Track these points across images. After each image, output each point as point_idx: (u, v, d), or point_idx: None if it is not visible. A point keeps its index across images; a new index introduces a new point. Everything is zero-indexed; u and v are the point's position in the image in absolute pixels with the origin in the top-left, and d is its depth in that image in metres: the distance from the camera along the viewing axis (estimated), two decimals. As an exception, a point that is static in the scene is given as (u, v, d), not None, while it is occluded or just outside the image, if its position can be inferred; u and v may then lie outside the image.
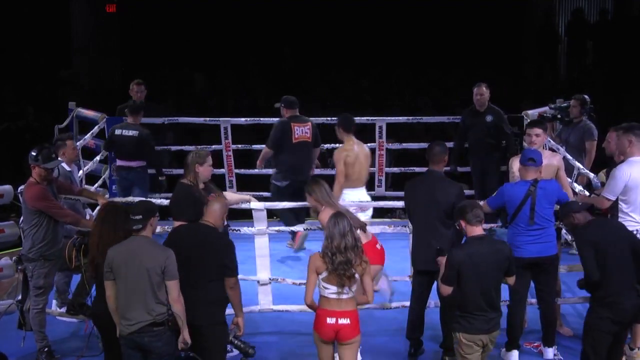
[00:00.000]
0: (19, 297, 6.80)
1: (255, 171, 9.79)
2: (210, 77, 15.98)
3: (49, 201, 6.53)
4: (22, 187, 6.73)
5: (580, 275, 5.99)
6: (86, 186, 8.59)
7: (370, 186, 10.20)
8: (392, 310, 7.27)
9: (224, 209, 5.84)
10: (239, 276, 5.75)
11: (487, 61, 15.41)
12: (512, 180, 7.04)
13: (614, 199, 6.43)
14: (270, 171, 9.31)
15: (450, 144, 8.83)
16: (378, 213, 9.39)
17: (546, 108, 9.63)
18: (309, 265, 5.51)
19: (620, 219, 6.38)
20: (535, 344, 6.84)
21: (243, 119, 10.35)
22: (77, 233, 6.46)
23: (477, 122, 9.44)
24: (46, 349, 6.64)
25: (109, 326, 5.51)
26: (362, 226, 6.40)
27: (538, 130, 7.13)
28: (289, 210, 8.15)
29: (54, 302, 7.45)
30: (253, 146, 10.12)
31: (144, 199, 7.09)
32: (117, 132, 9.16)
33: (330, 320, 5.46)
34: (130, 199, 7.69)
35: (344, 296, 5.46)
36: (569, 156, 8.53)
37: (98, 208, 6.48)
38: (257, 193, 8.96)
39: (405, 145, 10.68)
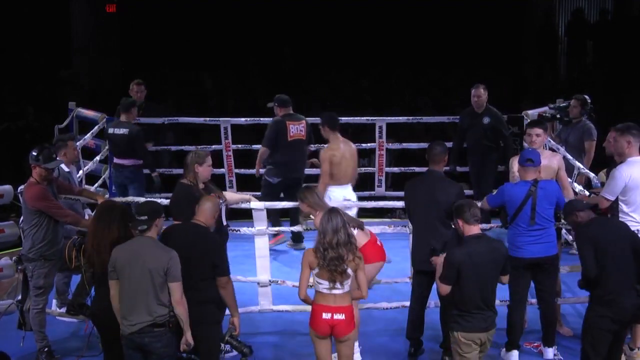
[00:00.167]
0: (19, 297, 6.81)
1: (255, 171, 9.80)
2: (210, 76, 15.96)
3: (49, 201, 6.52)
4: (22, 187, 6.73)
5: (580, 276, 5.97)
6: (86, 186, 8.57)
7: (370, 186, 10.24)
8: (392, 310, 7.27)
9: (216, 208, 5.83)
10: (239, 277, 5.74)
11: (487, 61, 15.40)
12: (512, 180, 7.02)
13: (612, 199, 6.42)
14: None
15: (450, 144, 8.84)
16: (378, 213, 9.41)
17: (546, 108, 9.64)
18: (302, 260, 5.55)
19: (621, 219, 6.37)
20: (535, 344, 6.85)
21: (243, 119, 10.34)
22: (77, 233, 6.48)
23: (474, 123, 9.44)
24: (46, 349, 6.64)
25: (108, 326, 5.51)
26: (360, 225, 6.40)
27: (538, 130, 7.12)
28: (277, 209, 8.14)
29: (54, 302, 7.44)
30: (253, 146, 10.10)
31: (148, 199, 7.06)
32: (110, 130, 9.17)
33: (326, 316, 5.48)
34: (130, 198, 7.68)
35: (337, 291, 5.48)
36: (568, 156, 8.54)
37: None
38: (257, 193, 8.94)
39: (405, 145, 10.67)
